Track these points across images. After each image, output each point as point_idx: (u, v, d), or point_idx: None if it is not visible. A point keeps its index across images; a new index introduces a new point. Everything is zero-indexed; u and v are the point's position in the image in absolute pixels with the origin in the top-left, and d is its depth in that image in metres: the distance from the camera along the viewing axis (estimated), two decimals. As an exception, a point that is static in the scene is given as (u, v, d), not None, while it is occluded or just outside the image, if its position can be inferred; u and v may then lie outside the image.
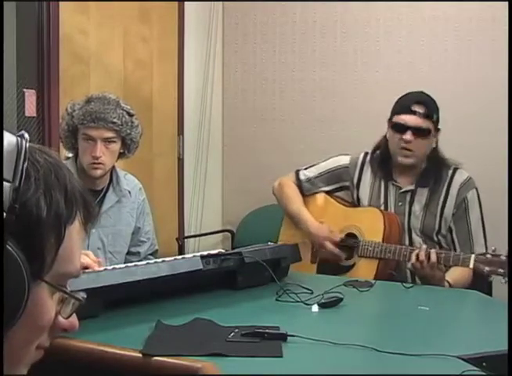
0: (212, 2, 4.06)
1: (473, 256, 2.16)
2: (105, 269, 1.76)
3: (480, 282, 2.36)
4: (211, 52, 4.08)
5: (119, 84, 3.51)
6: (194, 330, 1.55)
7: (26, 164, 0.68)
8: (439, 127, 2.49)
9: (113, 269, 1.77)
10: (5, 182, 0.65)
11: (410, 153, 2.45)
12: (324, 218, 2.60)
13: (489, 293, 2.53)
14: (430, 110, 2.44)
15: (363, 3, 3.71)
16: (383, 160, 2.56)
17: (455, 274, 2.32)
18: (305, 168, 2.73)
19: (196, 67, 4.06)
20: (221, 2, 4.09)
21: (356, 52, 3.78)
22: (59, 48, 3.12)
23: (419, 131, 2.42)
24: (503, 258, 2.10)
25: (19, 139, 0.69)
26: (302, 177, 2.70)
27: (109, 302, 1.65)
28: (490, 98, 3.44)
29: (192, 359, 1.34)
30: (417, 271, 2.26)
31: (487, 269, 2.12)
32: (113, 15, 3.47)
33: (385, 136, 2.56)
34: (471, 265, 2.16)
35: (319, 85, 3.89)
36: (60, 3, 3.10)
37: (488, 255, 2.14)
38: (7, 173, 0.66)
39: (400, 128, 2.44)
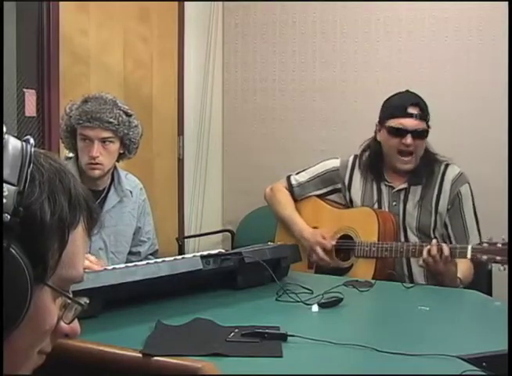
0: (212, 2, 4.06)
1: (470, 246, 2.17)
2: (105, 269, 1.76)
3: (480, 272, 2.38)
4: (211, 52, 4.08)
5: (119, 85, 3.51)
6: (194, 330, 1.55)
7: (30, 167, 0.68)
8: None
9: (113, 269, 1.77)
10: (9, 186, 0.65)
11: (411, 158, 2.43)
12: (318, 223, 2.58)
13: (489, 293, 2.53)
14: (425, 111, 2.44)
15: (363, 3, 3.71)
16: (373, 162, 2.54)
17: (463, 269, 2.31)
18: (296, 173, 2.72)
19: (196, 67, 4.06)
20: (221, 2, 4.09)
21: (356, 52, 3.78)
22: (59, 48, 3.12)
23: (418, 134, 2.41)
24: (500, 245, 2.11)
25: (24, 143, 0.69)
26: (293, 182, 2.69)
27: (109, 302, 1.65)
28: (490, 98, 3.44)
29: (192, 359, 1.34)
30: (430, 267, 2.24)
31: (484, 257, 2.13)
32: (113, 15, 3.48)
33: (374, 138, 2.54)
34: (469, 256, 2.16)
35: (319, 85, 3.88)
36: (60, 3, 3.10)
37: (485, 244, 2.14)
38: (12, 177, 0.66)
39: (399, 133, 2.42)
